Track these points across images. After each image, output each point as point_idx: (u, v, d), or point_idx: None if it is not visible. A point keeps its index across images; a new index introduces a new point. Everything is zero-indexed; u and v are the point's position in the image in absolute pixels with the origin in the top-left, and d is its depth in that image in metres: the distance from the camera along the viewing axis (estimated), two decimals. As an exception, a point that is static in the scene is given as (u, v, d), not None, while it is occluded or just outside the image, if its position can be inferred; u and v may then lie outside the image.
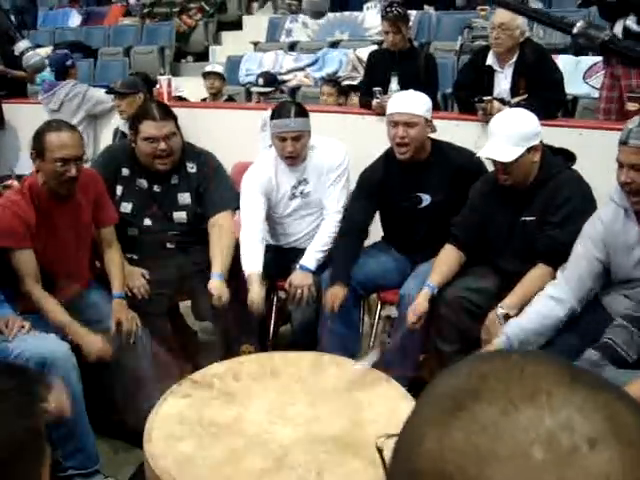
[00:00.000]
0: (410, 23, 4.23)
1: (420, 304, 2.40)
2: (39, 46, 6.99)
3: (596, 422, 0.39)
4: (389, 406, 1.79)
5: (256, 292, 2.56)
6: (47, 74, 6.18)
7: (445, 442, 0.41)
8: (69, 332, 2.25)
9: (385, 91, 3.71)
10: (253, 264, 2.64)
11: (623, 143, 1.93)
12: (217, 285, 2.53)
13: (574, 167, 2.39)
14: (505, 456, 0.39)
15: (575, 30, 1.04)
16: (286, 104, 2.88)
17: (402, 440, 0.46)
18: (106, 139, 4.56)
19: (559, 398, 0.41)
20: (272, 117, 2.77)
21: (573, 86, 4.25)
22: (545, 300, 2.16)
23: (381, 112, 3.42)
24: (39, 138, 2.28)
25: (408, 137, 2.56)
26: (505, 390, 0.42)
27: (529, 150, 2.24)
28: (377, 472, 0.55)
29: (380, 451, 0.53)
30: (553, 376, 0.43)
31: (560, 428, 0.39)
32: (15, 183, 3.33)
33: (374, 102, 3.69)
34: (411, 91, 2.71)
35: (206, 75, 5.11)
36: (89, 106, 4.66)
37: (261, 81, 4.75)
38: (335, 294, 2.58)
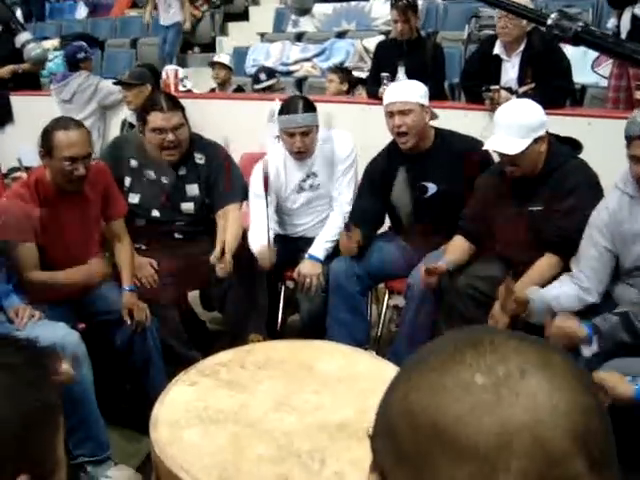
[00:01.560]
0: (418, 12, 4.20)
1: (439, 266, 2.40)
2: (46, 38, 7.02)
3: (528, 356, 0.49)
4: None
5: (265, 247, 2.61)
6: (54, 66, 6.20)
7: (406, 387, 0.51)
8: (83, 278, 2.39)
9: (393, 81, 3.70)
10: (261, 240, 2.66)
11: (638, 137, 1.89)
12: (218, 254, 2.53)
13: (581, 156, 2.38)
14: (451, 385, 0.48)
15: (549, 21, 1.04)
16: (293, 99, 2.86)
17: (380, 403, 0.53)
18: (115, 131, 4.57)
19: (499, 342, 0.50)
20: (280, 113, 2.77)
21: (581, 75, 4.21)
22: (572, 285, 2.14)
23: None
24: (47, 136, 2.26)
25: (405, 125, 2.55)
26: (455, 343, 0.51)
27: (536, 141, 2.22)
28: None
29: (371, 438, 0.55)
30: (497, 331, 0.54)
31: (497, 362, 0.48)
32: (24, 175, 3.35)
33: (381, 89, 3.68)
34: (405, 81, 2.70)
35: (213, 65, 5.13)
36: (101, 97, 4.67)
37: (263, 76, 4.75)
38: (351, 237, 2.58)
